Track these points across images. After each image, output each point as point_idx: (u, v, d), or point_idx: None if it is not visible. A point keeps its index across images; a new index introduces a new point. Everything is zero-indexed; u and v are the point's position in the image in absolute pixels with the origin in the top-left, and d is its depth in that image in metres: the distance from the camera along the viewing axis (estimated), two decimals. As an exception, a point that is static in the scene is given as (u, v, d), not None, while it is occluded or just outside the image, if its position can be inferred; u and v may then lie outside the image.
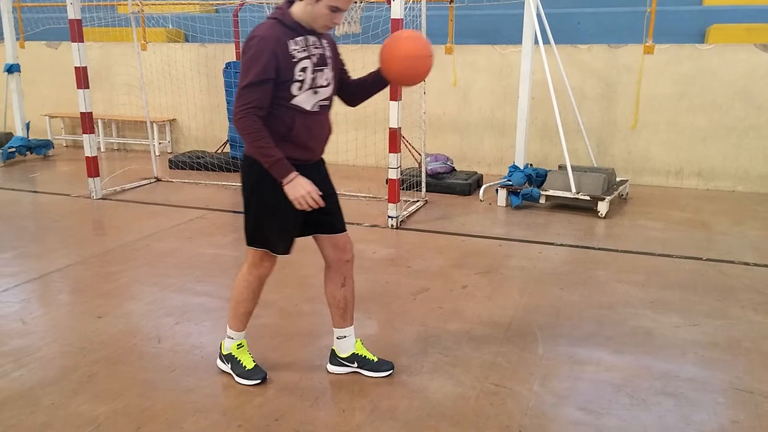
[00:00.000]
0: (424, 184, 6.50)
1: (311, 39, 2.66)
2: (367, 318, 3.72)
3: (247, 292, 2.92)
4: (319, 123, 2.75)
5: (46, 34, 9.44)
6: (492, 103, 7.61)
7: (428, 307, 3.87)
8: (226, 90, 7.74)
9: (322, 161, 2.92)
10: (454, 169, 7.11)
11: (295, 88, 2.61)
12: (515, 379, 3.04)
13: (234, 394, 2.90)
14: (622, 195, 6.38)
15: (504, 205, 6.24)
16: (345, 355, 3.08)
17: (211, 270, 4.52)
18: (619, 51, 7.03)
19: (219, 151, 8.27)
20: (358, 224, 5.64)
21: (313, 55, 2.65)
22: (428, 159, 6.79)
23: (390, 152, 5.51)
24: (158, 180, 7.35)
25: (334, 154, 8.16)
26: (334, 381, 3.02)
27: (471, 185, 6.80)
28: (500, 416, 2.74)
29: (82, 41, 6.24)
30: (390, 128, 5.44)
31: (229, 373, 3.03)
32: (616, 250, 4.93)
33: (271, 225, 2.77)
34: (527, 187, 6.23)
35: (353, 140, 7.96)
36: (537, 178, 6.45)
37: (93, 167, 6.49)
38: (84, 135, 6.49)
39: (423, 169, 6.53)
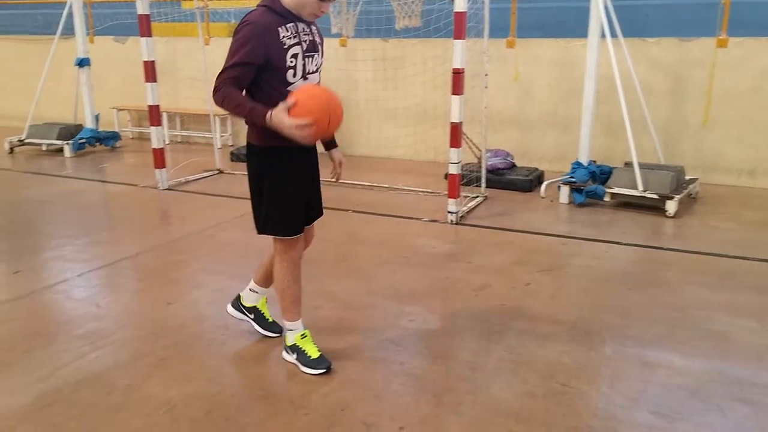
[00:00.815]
0: (483, 180, 6.43)
1: (301, 26, 2.74)
2: (429, 313, 3.70)
3: (287, 279, 2.98)
4: None
5: (114, 29, 9.76)
6: (554, 98, 7.46)
7: (491, 304, 3.83)
8: (287, 84, 7.82)
9: (314, 148, 2.99)
10: (514, 165, 7.00)
11: (290, 76, 2.71)
12: (583, 379, 2.97)
13: (300, 383, 2.93)
14: (692, 194, 6.15)
15: (566, 202, 6.11)
16: (247, 305, 3.35)
17: (274, 261, 4.58)
18: (690, 44, 6.77)
19: (279, 144, 8.38)
20: (417, 219, 5.63)
21: (304, 41, 2.73)
22: (488, 154, 6.71)
23: (451, 147, 5.46)
24: (220, 172, 7.51)
25: (391, 148, 8.18)
26: (397, 374, 3.02)
27: (532, 181, 6.68)
28: (568, 416, 2.68)
29: (150, 36, 6.42)
30: (451, 123, 5.40)
31: (295, 364, 3.07)
32: (686, 251, 4.75)
33: (282, 209, 2.83)
34: (591, 185, 6.09)
35: (411, 135, 7.95)
36: (601, 175, 6.29)
37: (160, 159, 6.68)
38: (151, 127, 6.69)
39: (483, 165, 6.46)
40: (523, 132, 7.70)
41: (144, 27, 6.34)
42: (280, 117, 2.58)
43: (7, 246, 4.93)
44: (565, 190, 6.15)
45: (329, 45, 8.19)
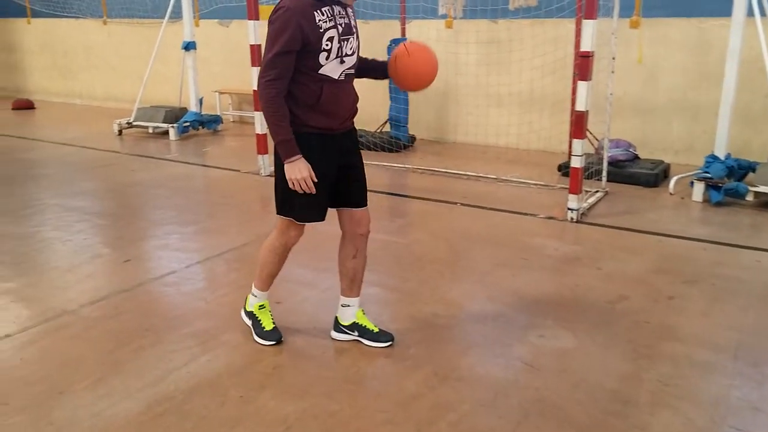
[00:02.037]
0: (605, 173, 5.90)
1: (336, 9, 2.71)
2: (561, 328, 3.31)
3: (271, 257, 3.04)
4: (345, 91, 2.82)
5: (218, 12, 9.78)
6: (684, 84, 6.76)
7: (631, 320, 3.38)
8: (390, 68, 7.52)
9: (354, 131, 2.97)
10: (637, 157, 6.40)
11: (322, 58, 2.67)
12: (759, 423, 2.51)
13: (425, 406, 2.63)
14: None
15: (700, 200, 5.49)
16: (347, 323, 3.16)
17: (382, 258, 4.30)
18: None
19: (379, 130, 8.12)
20: (532, 215, 5.19)
21: (339, 24, 2.70)
22: (608, 145, 6.14)
23: (574, 138, 5.00)
24: (321, 158, 7.33)
25: (497, 136, 7.72)
26: (534, 401, 2.66)
27: (657, 176, 6.07)
28: (750, 472, 2.25)
29: (258, 19, 6.26)
30: (576, 111, 4.93)
31: (249, 329, 3.16)
32: None
33: (300, 195, 2.77)
34: (728, 181, 5.43)
35: (520, 123, 7.46)
36: (739, 170, 5.62)
37: (262, 144, 6.56)
38: (255, 112, 6.56)
39: (605, 157, 5.92)
40: (645, 120, 7.04)
41: (252, 10, 6.19)
42: (300, 166, 2.67)
43: (118, 232, 4.92)
44: (699, 187, 5.52)
45: (434, 26, 7.81)
